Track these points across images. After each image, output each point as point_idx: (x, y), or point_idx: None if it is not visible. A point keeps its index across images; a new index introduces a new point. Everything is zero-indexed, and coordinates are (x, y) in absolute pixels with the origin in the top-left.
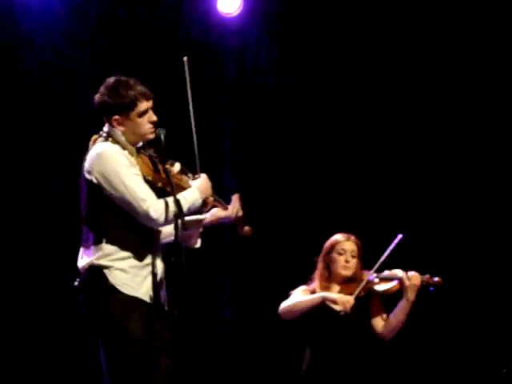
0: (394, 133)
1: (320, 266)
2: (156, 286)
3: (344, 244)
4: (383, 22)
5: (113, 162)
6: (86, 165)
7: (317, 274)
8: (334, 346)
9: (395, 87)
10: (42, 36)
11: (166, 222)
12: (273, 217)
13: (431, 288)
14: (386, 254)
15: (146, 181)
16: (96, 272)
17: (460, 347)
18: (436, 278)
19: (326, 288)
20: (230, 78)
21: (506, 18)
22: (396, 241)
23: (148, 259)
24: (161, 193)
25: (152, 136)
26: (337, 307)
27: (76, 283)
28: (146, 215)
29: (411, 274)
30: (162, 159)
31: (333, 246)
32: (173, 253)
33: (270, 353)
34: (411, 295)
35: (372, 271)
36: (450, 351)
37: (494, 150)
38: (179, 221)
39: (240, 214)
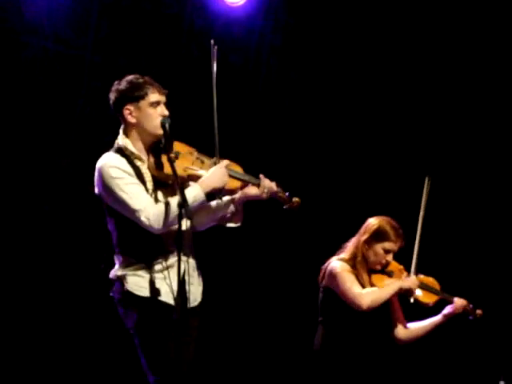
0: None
1: (362, 247)
2: (179, 286)
3: (394, 246)
4: (385, 17)
5: (106, 176)
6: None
7: (357, 252)
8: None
9: (399, 75)
10: (46, 23)
11: (166, 225)
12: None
13: (470, 317)
14: (415, 251)
15: (158, 181)
16: (117, 283)
17: (457, 357)
18: (478, 311)
19: (357, 273)
20: (233, 68)
21: (506, 18)
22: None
23: (163, 264)
24: None
25: (162, 131)
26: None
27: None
28: (144, 225)
29: (459, 300)
30: (165, 148)
31: (382, 239)
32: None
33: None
34: (449, 316)
35: (411, 273)
36: (447, 361)
37: None
38: (182, 211)
39: (274, 189)
